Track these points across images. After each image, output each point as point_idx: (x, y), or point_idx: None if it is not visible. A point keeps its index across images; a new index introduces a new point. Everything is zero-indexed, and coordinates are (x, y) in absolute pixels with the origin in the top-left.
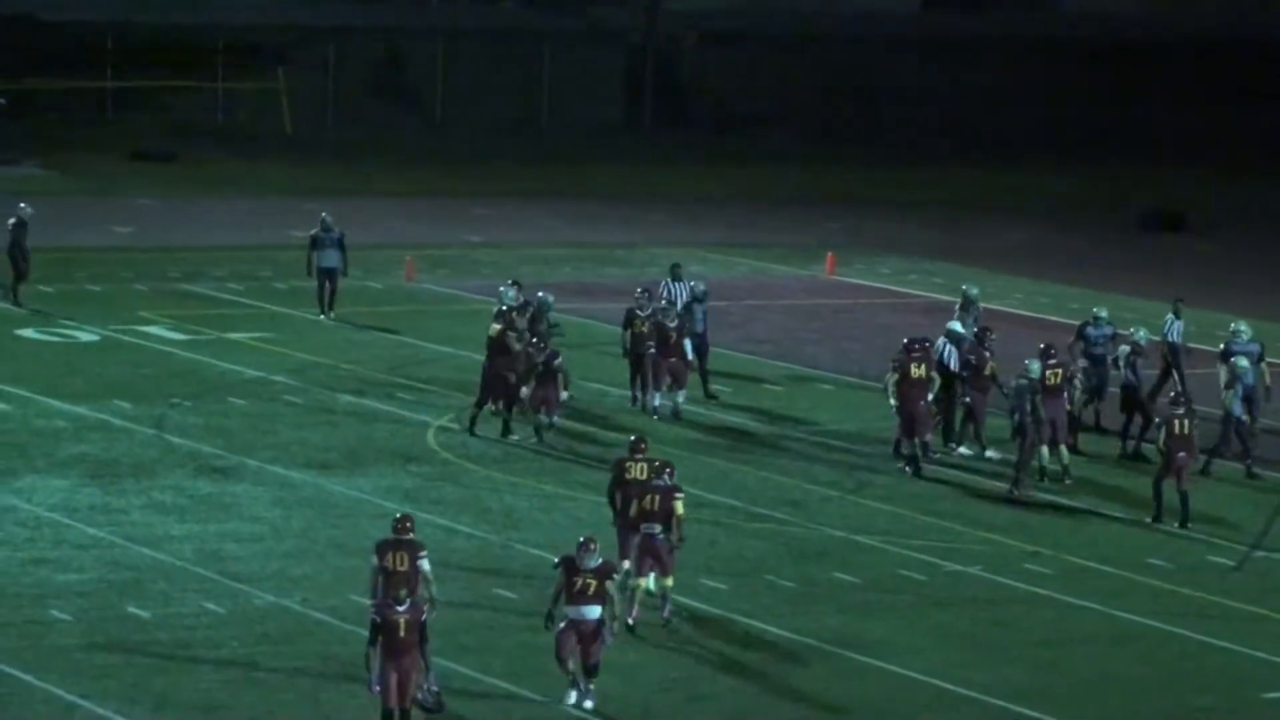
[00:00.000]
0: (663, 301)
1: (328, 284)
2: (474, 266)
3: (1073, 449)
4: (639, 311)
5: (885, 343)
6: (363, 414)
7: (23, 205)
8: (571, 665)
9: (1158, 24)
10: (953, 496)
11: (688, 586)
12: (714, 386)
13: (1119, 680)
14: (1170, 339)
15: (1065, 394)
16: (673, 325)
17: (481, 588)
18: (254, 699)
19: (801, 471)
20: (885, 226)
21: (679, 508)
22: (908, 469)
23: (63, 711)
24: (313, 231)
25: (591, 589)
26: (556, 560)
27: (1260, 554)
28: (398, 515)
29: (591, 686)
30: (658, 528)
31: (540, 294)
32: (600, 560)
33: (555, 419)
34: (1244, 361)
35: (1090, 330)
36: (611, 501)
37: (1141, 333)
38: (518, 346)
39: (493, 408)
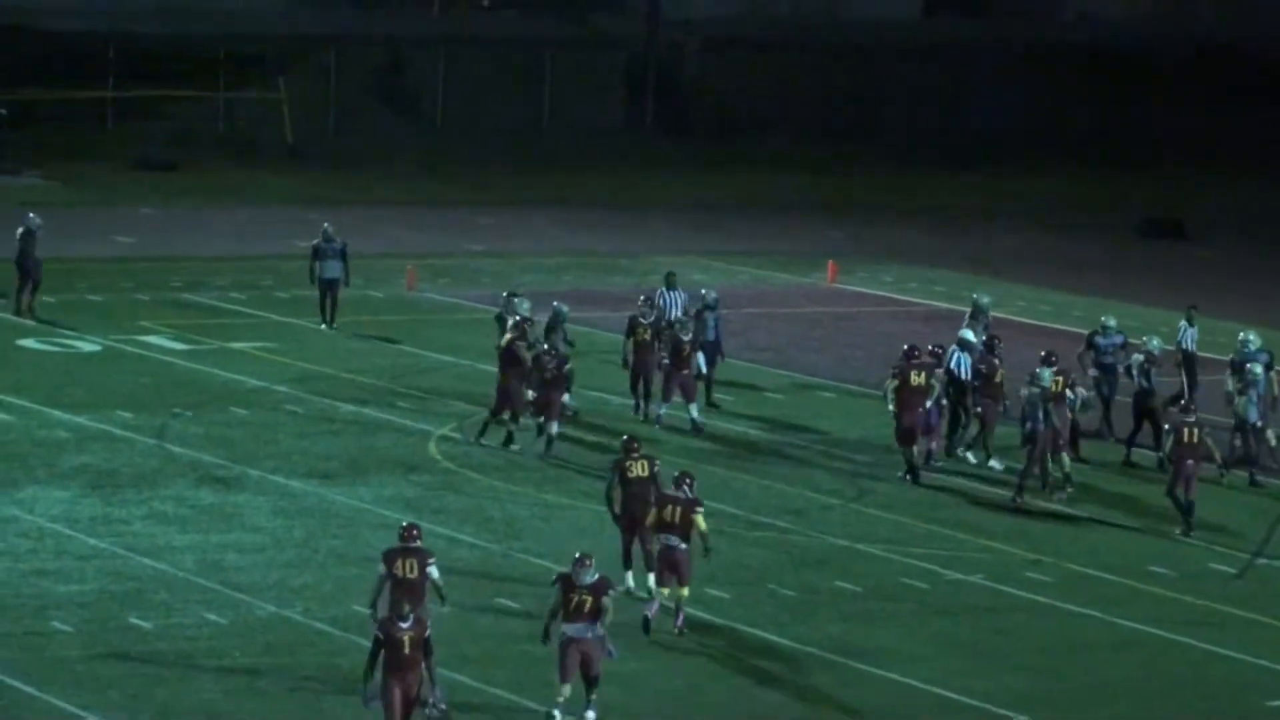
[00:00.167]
0: (648, 307)
1: (329, 295)
2: (475, 275)
3: (1075, 457)
4: (641, 320)
5: (886, 351)
6: (364, 423)
7: (31, 215)
8: (568, 690)
9: (1156, 29)
10: (954, 505)
11: (690, 595)
12: (716, 395)
13: (1121, 688)
14: (1185, 346)
15: (1067, 401)
16: (687, 338)
17: (483, 597)
18: (256, 709)
19: (803, 480)
20: (887, 233)
21: (700, 522)
22: (907, 477)
23: None
24: (315, 242)
25: (587, 606)
26: (555, 577)
27: (1262, 562)
28: (404, 524)
29: (594, 697)
30: (676, 539)
31: (556, 303)
32: (596, 576)
33: (555, 430)
34: (1258, 367)
35: (1099, 339)
36: (609, 501)
37: (1155, 341)
38: (528, 356)
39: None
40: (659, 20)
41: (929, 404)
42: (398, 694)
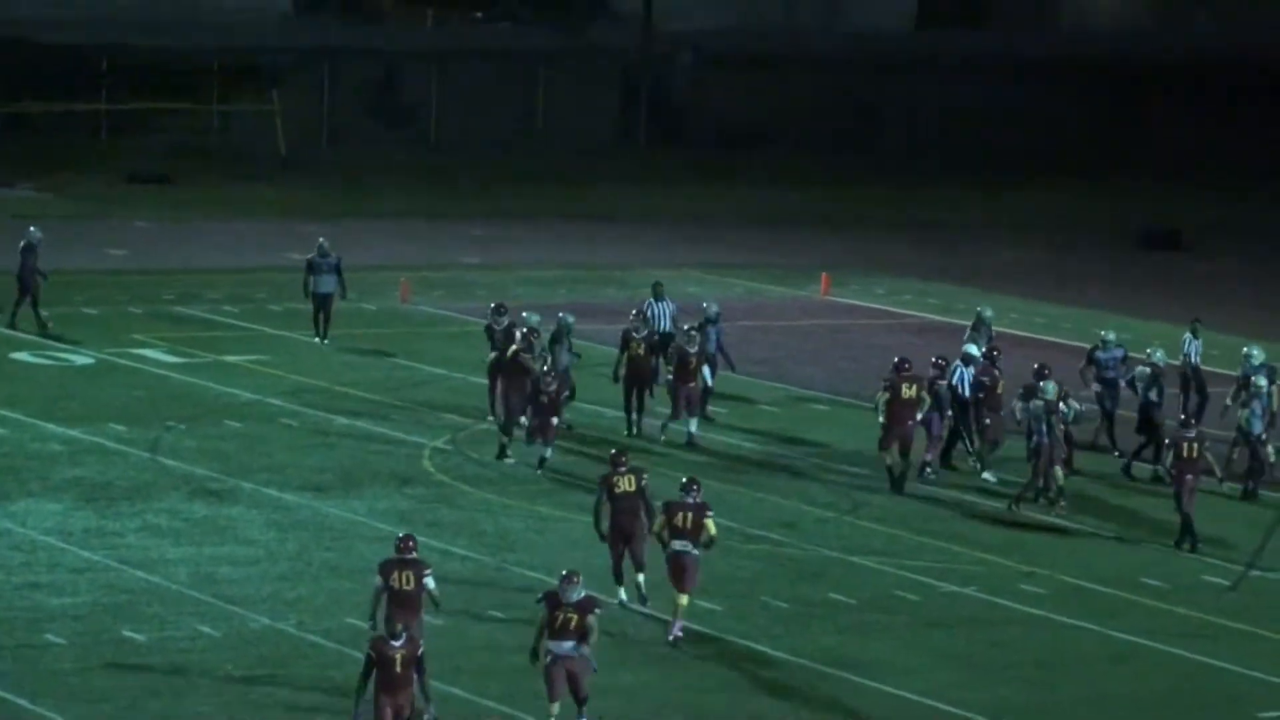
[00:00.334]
0: (641, 322)
1: (323, 310)
2: (469, 288)
3: (1068, 469)
4: (634, 334)
5: (880, 363)
6: (358, 436)
7: (32, 229)
8: (556, 709)
9: (1154, 42)
10: (948, 517)
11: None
12: (710, 408)
13: (1115, 700)
14: (1190, 360)
15: (1060, 413)
16: (693, 351)
17: (477, 610)
18: None
19: (797, 492)
20: (881, 246)
21: (711, 526)
22: (890, 487)
23: None
24: (309, 256)
25: (573, 624)
26: (540, 595)
27: (1256, 573)
28: (400, 535)
29: (585, 714)
30: (689, 544)
31: (561, 314)
32: (583, 594)
33: (549, 453)
34: (1262, 380)
35: (1100, 354)
36: (597, 518)
37: (1159, 354)
38: (535, 367)
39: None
40: (653, 32)
41: (919, 416)
42: (389, 713)
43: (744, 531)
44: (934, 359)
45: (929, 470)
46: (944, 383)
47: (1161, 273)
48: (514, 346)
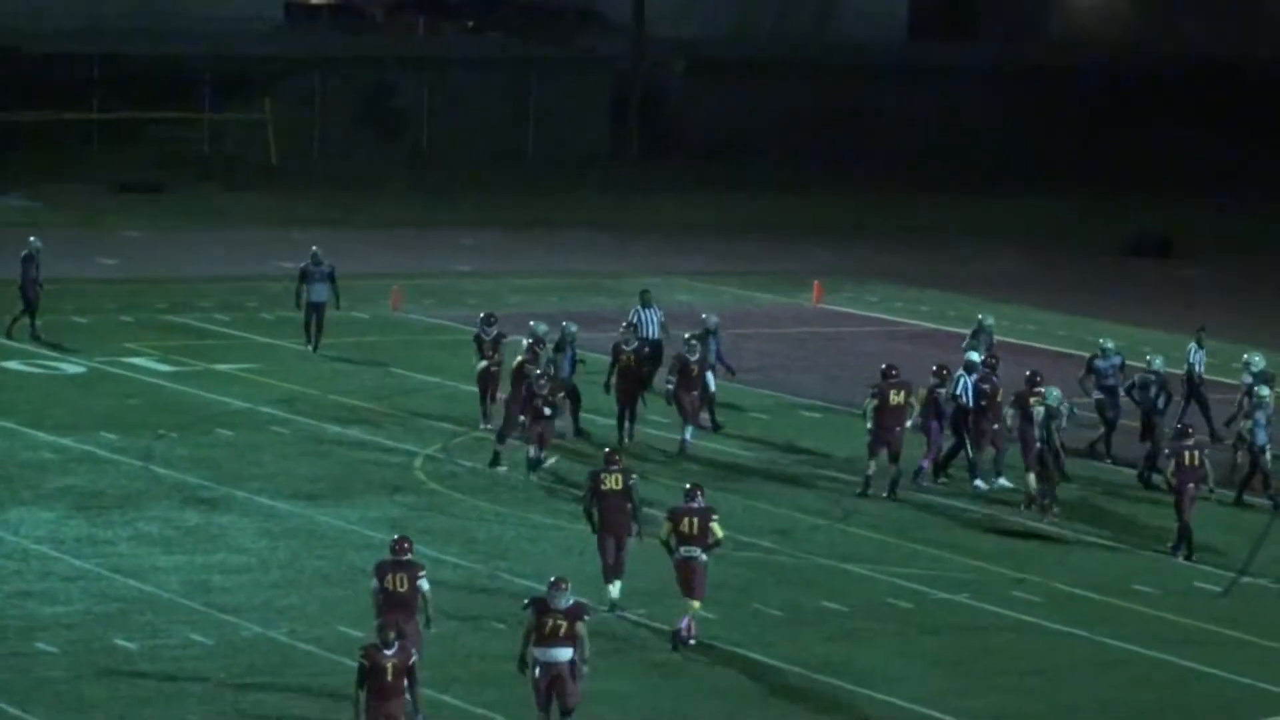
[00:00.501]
0: (631, 333)
1: (315, 318)
2: (460, 296)
3: (1060, 475)
4: (624, 346)
5: (872, 370)
6: (349, 444)
7: (33, 239)
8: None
9: (1144, 51)
10: (940, 524)
11: (677, 614)
12: (704, 415)
13: (1107, 706)
14: (1196, 369)
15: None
16: (694, 360)
17: (469, 618)
18: None
19: (789, 499)
20: (872, 254)
21: (717, 530)
22: (862, 491)
23: None
24: (303, 265)
25: (562, 630)
26: (527, 601)
27: (1247, 580)
28: (395, 536)
29: None
30: (697, 550)
31: (565, 323)
32: (571, 601)
33: (548, 462)
34: (1265, 390)
35: (1099, 363)
36: (588, 515)
37: (1159, 361)
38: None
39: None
40: (645, 41)
41: (909, 423)
42: None
43: (736, 539)
44: (934, 366)
45: (921, 476)
46: (944, 390)
47: (1151, 280)
48: (519, 357)
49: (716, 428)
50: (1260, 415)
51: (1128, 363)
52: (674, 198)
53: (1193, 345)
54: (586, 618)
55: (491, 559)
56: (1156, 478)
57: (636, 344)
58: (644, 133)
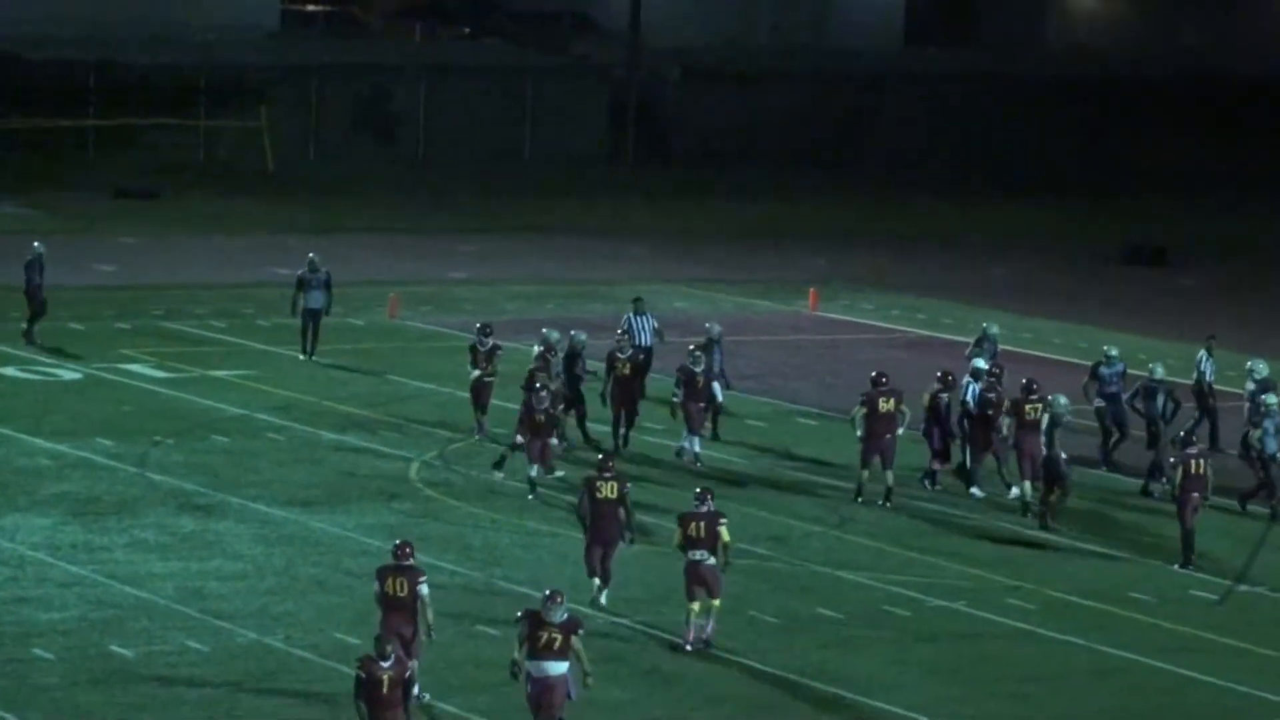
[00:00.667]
0: (627, 342)
1: (311, 325)
2: (457, 303)
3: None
4: (619, 355)
5: (868, 378)
6: (345, 451)
7: (36, 244)
8: None
9: (1141, 59)
10: (935, 532)
11: (672, 621)
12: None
13: (1102, 714)
14: (1206, 377)
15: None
16: (700, 370)
17: (465, 625)
18: None
19: (784, 507)
20: (869, 262)
21: (725, 534)
22: (859, 499)
23: None
24: (300, 272)
25: (557, 644)
26: (520, 613)
27: (1243, 588)
28: (397, 541)
29: None
30: (705, 554)
31: (574, 332)
32: (566, 615)
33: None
34: (1272, 398)
35: (1104, 370)
36: (582, 520)
37: (1160, 369)
38: (552, 385)
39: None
40: (640, 48)
41: (900, 430)
42: None
43: (732, 546)
44: (939, 373)
45: (928, 481)
46: (945, 396)
47: (1147, 289)
48: (531, 366)
49: (715, 437)
50: (1269, 424)
51: (1128, 371)
52: (670, 205)
53: (1203, 354)
54: (581, 631)
55: (487, 566)
56: (1154, 486)
57: (631, 351)
58: (640, 140)
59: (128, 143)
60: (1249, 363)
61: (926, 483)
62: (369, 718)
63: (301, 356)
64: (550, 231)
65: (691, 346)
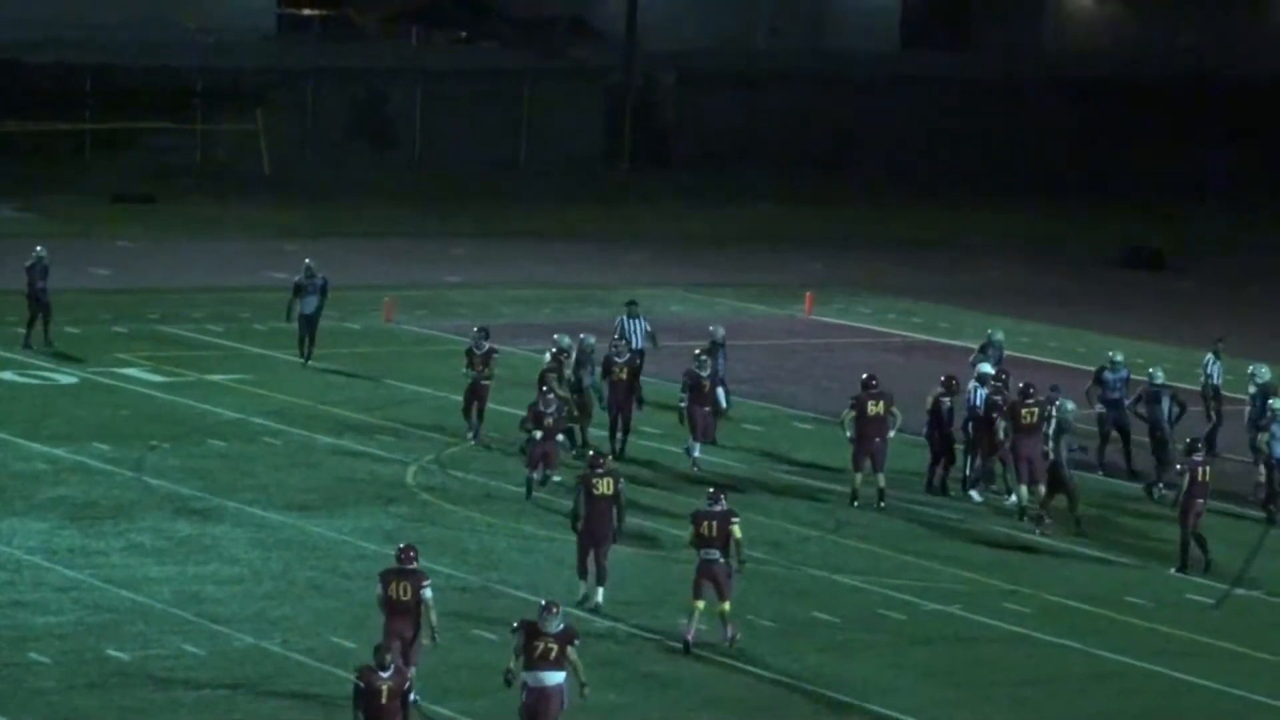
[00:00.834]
0: (625, 346)
1: (308, 331)
2: (452, 307)
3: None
4: (616, 359)
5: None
6: (342, 455)
7: (39, 248)
8: None
9: (1138, 61)
10: (931, 536)
11: (669, 624)
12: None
13: (1098, 718)
14: (1213, 381)
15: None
16: (705, 375)
17: (462, 629)
18: None
19: (781, 511)
20: (864, 266)
21: (737, 531)
22: (855, 503)
23: None
24: (296, 278)
25: (553, 654)
26: (516, 623)
27: (1239, 592)
28: (401, 545)
29: None
30: (716, 553)
31: (582, 336)
32: (563, 625)
33: (552, 478)
34: (1278, 403)
35: (1108, 374)
36: (574, 518)
37: (1160, 374)
38: (561, 391)
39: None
40: (636, 52)
41: (892, 434)
42: None
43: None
44: (942, 377)
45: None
46: (947, 400)
47: (1145, 292)
48: (542, 368)
49: (711, 441)
50: (1276, 428)
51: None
52: (666, 209)
53: (1210, 357)
54: (577, 642)
55: (484, 570)
56: (1157, 490)
57: (628, 355)
58: (636, 144)
59: (124, 146)
60: (1250, 367)
61: (973, 493)
62: None
63: (300, 362)
64: (546, 235)
65: (697, 351)
